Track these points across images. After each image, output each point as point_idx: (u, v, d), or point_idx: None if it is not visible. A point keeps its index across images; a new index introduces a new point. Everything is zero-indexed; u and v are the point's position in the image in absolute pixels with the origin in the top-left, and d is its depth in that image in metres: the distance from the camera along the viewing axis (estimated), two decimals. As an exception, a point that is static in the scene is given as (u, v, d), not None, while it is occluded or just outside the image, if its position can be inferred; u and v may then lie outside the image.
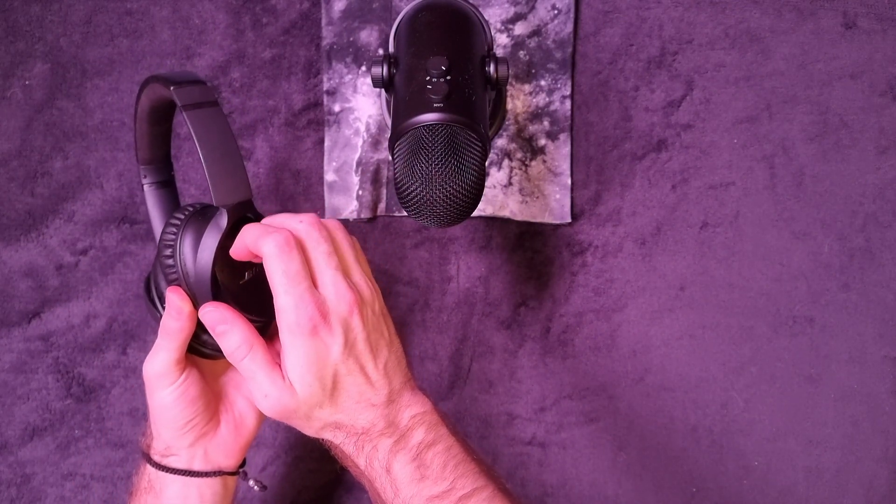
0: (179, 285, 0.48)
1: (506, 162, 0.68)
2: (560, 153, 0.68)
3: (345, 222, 0.69)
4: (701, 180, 0.68)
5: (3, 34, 0.70)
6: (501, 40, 0.68)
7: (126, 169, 0.69)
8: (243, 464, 0.56)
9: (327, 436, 0.49)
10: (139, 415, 0.69)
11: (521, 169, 0.68)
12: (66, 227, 0.69)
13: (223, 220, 0.47)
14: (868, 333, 0.67)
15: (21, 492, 0.69)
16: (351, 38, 0.68)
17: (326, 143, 0.68)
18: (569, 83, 0.68)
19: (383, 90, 0.59)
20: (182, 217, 0.49)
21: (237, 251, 0.48)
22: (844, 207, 0.67)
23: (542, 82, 0.68)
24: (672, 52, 0.68)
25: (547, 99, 0.68)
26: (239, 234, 0.47)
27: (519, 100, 0.68)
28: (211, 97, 0.47)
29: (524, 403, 0.69)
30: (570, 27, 0.67)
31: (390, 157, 0.53)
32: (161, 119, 0.55)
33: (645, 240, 0.68)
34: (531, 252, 0.69)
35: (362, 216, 0.68)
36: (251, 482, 0.57)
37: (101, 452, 0.69)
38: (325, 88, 0.68)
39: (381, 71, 0.54)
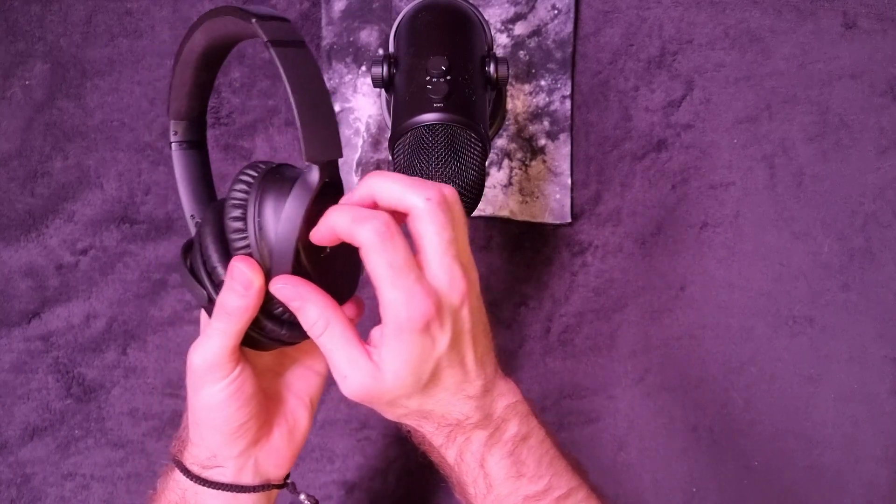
0: (248, 255, 0.40)
1: (506, 162, 0.68)
2: (560, 153, 0.68)
3: (345, 222, 0.69)
4: (701, 180, 0.68)
5: (3, 34, 0.70)
6: (501, 40, 0.68)
7: (126, 169, 0.69)
8: (288, 475, 0.49)
9: (411, 423, 0.44)
10: (139, 415, 0.69)
11: (521, 169, 0.68)
12: (66, 227, 0.69)
13: (314, 179, 0.40)
14: (868, 333, 0.67)
15: (21, 492, 0.69)
16: (351, 38, 0.68)
17: (326, 143, 0.68)
18: (569, 83, 0.68)
19: (383, 90, 0.59)
20: (255, 174, 0.41)
21: (321, 235, 0.41)
22: (844, 207, 0.67)
23: (542, 82, 0.68)
24: (672, 52, 0.68)
25: (547, 99, 0.68)
26: (324, 217, 0.40)
27: (519, 100, 0.68)
28: (299, 37, 0.40)
29: (524, 403, 0.69)
30: (570, 27, 0.67)
31: (390, 157, 0.53)
32: (212, 65, 0.46)
33: (645, 240, 0.68)
34: (531, 252, 0.69)
35: (362, 216, 0.68)
36: (302, 496, 0.49)
37: (101, 452, 0.69)
38: (325, 88, 0.68)
39: (381, 71, 0.54)
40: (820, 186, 0.67)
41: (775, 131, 0.67)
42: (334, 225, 0.40)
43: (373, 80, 0.54)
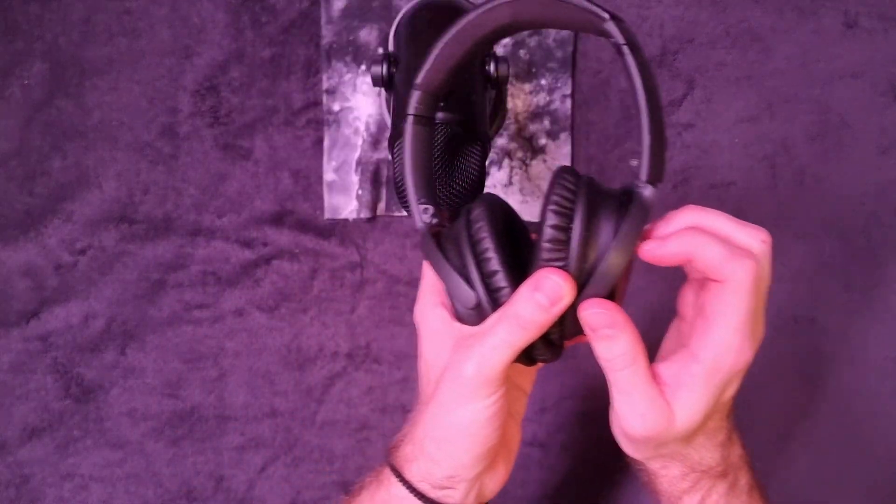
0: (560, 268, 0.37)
1: (506, 161, 0.68)
2: (560, 152, 0.67)
3: (344, 222, 0.68)
4: (702, 180, 0.68)
5: (1, 33, 0.69)
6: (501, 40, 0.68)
7: (125, 168, 0.69)
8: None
9: (657, 465, 0.42)
10: (138, 415, 0.69)
11: (521, 168, 0.68)
12: (64, 226, 0.69)
13: (651, 201, 0.36)
14: (869, 334, 0.67)
15: (20, 492, 0.69)
16: (351, 37, 0.68)
17: (326, 143, 0.68)
18: (569, 82, 0.67)
19: (383, 89, 0.59)
20: (573, 181, 0.37)
21: (666, 256, 0.37)
22: (846, 207, 0.67)
23: (543, 81, 0.67)
24: (673, 51, 0.68)
25: (547, 98, 0.67)
26: (683, 240, 0.37)
27: (519, 99, 0.68)
28: (639, 42, 0.38)
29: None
30: (570, 26, 0.67)
31: (390, 157, 0.53)
32: (488, 45, 0.43)
33: (645, 240, 0.68)
34: (531, 252, 0.69)
35: (362, 216, 0.68)
36: None
37: (100, 453, 0.69)
38: (324, 87, 0.68)
39: (381, 70, 0.54)
40: (821, 186, 0.67)
41: (776, 130, 0.67)
42: (699, 252, 0.37)
43: (372, 79, 0.54)
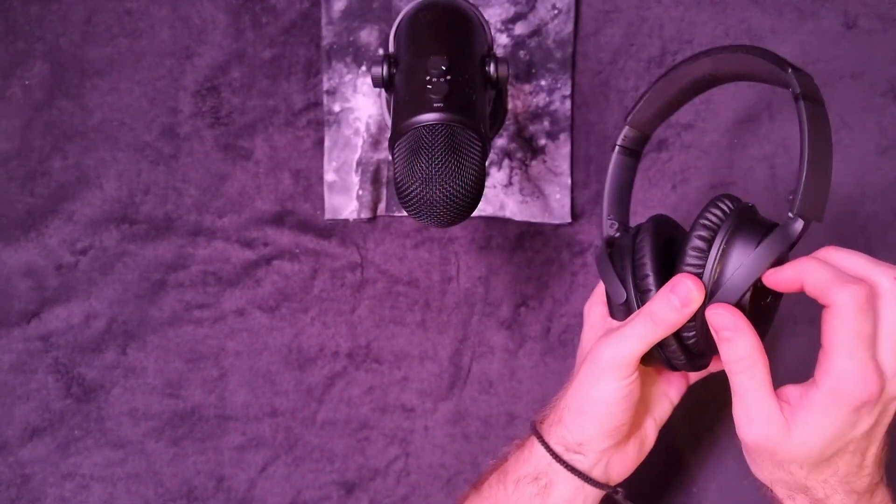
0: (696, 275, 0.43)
1: (506, 162, 0.68)
2: (560, 153, 0.68)
3: (345, 222, 0.69)
4: (702, 180, 0.68)
5: (2, 34, 0.70)
6: (501, 40, 0.68)
7: (126, 169, 0.69)
8: (622, 484, 0.50)
9: (782, 491, 0.44)
10: (139, 415, 0.69)
11: (521, 169, 0.68)
12: (65, 226, 0.69)
13: (795, 232, 0.41)
14: (868, 334, 0.67)
15: (21, 492, 0.69)
16: (351, 38, 0.68)
17: (326, 143, 0.68)
18: (569, 83, 0.67)
19: (383, 90, 0.59)
20: (728, 206, 0.43)
21: (784, 280, 0.41)
22: (845, 207, 0.67)
23: (543, 82, 0.68)
24: (673, 51, 0.68)
25: (547, 99, 0.68)
26: (796, 264, 0.41)
27: (519, 99, 0.68)
28: (821, 96, 0.43)
29: (524, 403, 0.68)
30: (570, 27, 0.67)
31: (390, 157, 0.53)
32: (695, 92, 0.50)
33: (645, 240, 0.68)
34: (531, 252, 0.69)
35: (362, 216, 0.68)
36: None
37: (101, 453, 0.69)
38: (325, 88, 0.68)
39: (382, 71, 0.54)
40: (820, 186, 0.67)
41: (776, 131, 0.67)
42: (809, 277, 0.40)
43: (373, 79, 0.54)
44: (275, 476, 0.69)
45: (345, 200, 0.68)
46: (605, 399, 0.45)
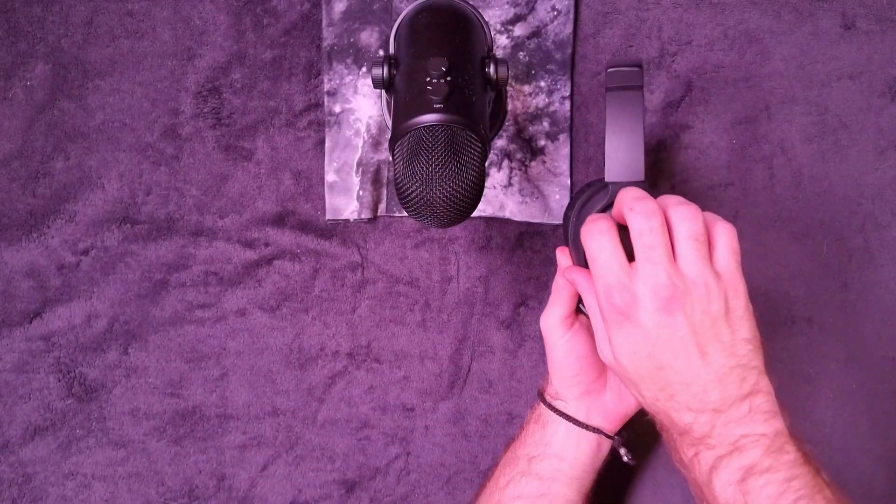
0: (568, 245, 0.55)
1: (505, 162, 0.68)
2: (560, 154, 0.68)
3: (345, 223, 0.69)
4: (700, 181, 0.68)
5: (4, 35, 0.70)
6: (501, 41, 0.68)
7: (127, 169, 0.69)
8: (621, 433, 0.59)
9: (658, 417, 0.49)
10: (140, 414, 0.69)
11: (520, 169, 0.68)
12: (67, 227, 0.69)
13: (606, 194, 0.51)
14: (867, 334, 0.67)
15: (22, 491, 0.69)
16: (351, 40, 0.68)
17: (327, 144, 0.69)
18: (568, 84, 0.68)
19: (384, 91, 0.59)
20: (586, 186, 0.56)
21: (613, 214, 0.50)
22: (843, 208, 0.67)
23: (542, 83, 0.68)
24: (671, 53, 0.68)
25: (546, 100, 0.68)
26: (616, 198, 0.49)
27: (519, 101, 0.68)
28: (637, 81, 0.52)
29: (524, 403, 0.69)
30: (569, 28, 0.68)
31: (391, 158, 0.53)
32: None
33: (644, 240, 0.68)
34: (531, 252, 0.69)
35: (363, 216, 0.68)
36: (622, 451, 0.59)
37: (103, 452, 0.69)
38: (325, 89, 0.69)
39: (382, 72, 0.54)
40: (818, 187, 0.67)
41: (774, 132, 0.68)
42: (618, 199, 0.49)
43: (373, 81, 0.54)
44: (276, 475, 0.69)
45: (345, 201, 0.68)
46: (555, 355, 0.57)
